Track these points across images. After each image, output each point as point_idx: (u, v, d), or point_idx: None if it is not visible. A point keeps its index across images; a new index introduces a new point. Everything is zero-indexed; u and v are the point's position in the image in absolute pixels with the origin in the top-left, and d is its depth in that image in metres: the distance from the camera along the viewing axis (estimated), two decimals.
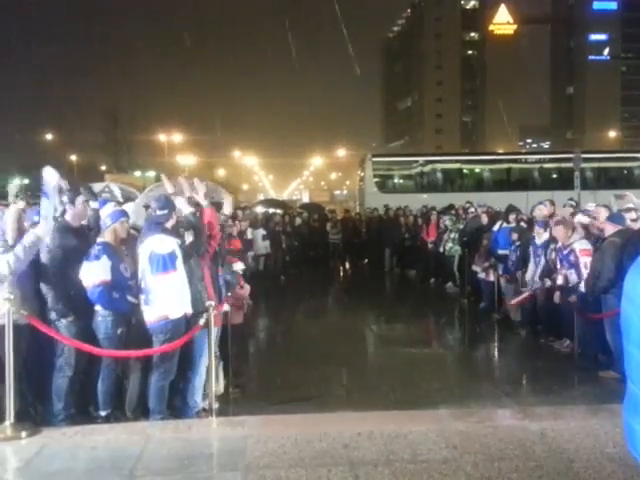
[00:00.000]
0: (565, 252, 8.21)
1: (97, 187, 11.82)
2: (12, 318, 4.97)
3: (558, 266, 8.43)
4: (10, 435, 4.96)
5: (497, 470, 4.23)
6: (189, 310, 5.56)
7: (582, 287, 7.77)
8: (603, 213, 7.92)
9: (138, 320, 5.56)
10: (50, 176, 5.49)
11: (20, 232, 5.50)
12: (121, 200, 10.73)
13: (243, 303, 7.74)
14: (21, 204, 6.90)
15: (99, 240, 5.57)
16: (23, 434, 4.99)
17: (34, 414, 5.49)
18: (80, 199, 5.82)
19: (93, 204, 5.96)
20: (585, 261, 7.81)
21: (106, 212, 5.71)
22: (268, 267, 17.15)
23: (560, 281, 8.33)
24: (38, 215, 5.62)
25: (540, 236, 9.33)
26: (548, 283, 8.66)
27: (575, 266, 8.00)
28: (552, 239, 8.90)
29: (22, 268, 5.23)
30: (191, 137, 66.77)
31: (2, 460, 4.71)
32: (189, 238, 5.82)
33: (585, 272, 7.75)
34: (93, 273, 5.40)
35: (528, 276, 9.51)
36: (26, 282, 5.39)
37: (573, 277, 8.07)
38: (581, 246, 7.98)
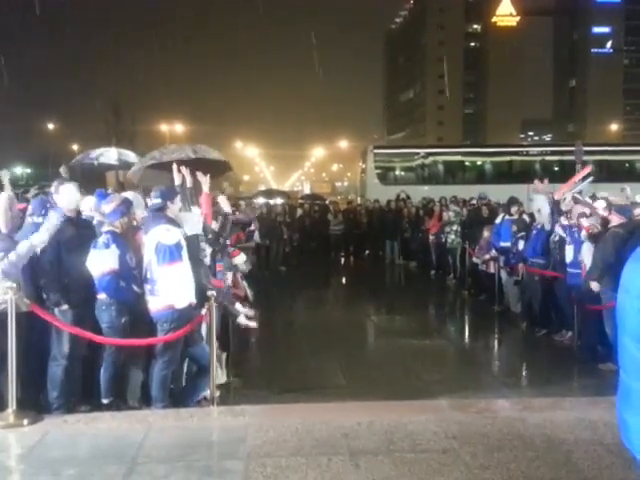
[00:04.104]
0: (573, 230, 8.21)
1: (96, 151, 11.70)
2: (14, 306, 4.99)
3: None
4: (12, 422, 4.99)
5: (496, 460, 4.26)
6: (194, 300, 5.59)
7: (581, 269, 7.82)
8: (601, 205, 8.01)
9: (141, 310, 5.58)
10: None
11: (13, 220, 5.52)
12: (117, 164, 10.72)
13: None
14: (33, 192, 6.92)
15: (107, 229, 5.56)
16: (25, 421, 5.02)
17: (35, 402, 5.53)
18: (67, 187, 5.77)
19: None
20: (584, 234, 7.84)
21: (114, 204, 5.69)
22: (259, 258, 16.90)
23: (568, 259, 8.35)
24: (44, 209, 5.64)
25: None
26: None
27: (576, 242, 8.02)
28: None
29: (14, 271, 5.20)
30: (193, 127, 66.50)
31: (4, 447, 4.75)
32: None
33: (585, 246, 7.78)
34: (102, 261, 5.40)
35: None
36: (22, 271, 5.39)
37: (569, 254, 8.11)
38: (588, 222, 7.95)
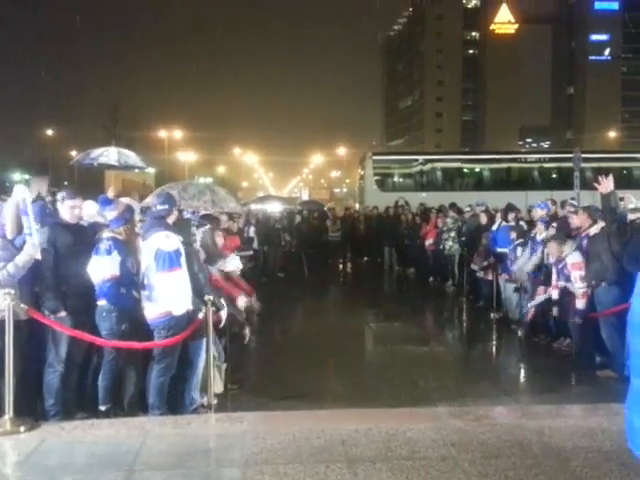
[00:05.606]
0: (560, 266, 8.25)
1: (96, 152, 11.71)
2: (12, 313, 4.97)
3: (554, 278, 8.43)
4: (9, 429, 4.96)
5: (494, 467, 4.24)
6: (191, 307, 5.59)
7: (578, 303, 7.79)
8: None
9: (138, 316, 5.57)
10: (21, 193, 5.37)
11: (19, 226, 5.52)
12: (117, 164, 10.74)
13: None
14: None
15: (108, 235, 5.55)
16: (22, 428, 5.00)
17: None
18: (70, 196, 5.80)
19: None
20: (576, 275, 7.85)
21: (118, 211, 5.67)
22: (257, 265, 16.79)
23: (555, 296, 8.39)
24: (43, 215, 5.65)
25: (541, 233, 9.47)
26: (555, 295, 8.50)
27: (569, 279, 8.05)
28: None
29: (12, 282, 5.19)
30: (191, 134, 66.56)
31: (1, 454, 4.74)
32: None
33: (578, 285, 7.78)
34: (103, 268, 5.39)
35: (517, 265, 9.88)
36: (21, 278, 5.36)
37: (570, 288, 8.08)
38: (573, 259, 7.96)
